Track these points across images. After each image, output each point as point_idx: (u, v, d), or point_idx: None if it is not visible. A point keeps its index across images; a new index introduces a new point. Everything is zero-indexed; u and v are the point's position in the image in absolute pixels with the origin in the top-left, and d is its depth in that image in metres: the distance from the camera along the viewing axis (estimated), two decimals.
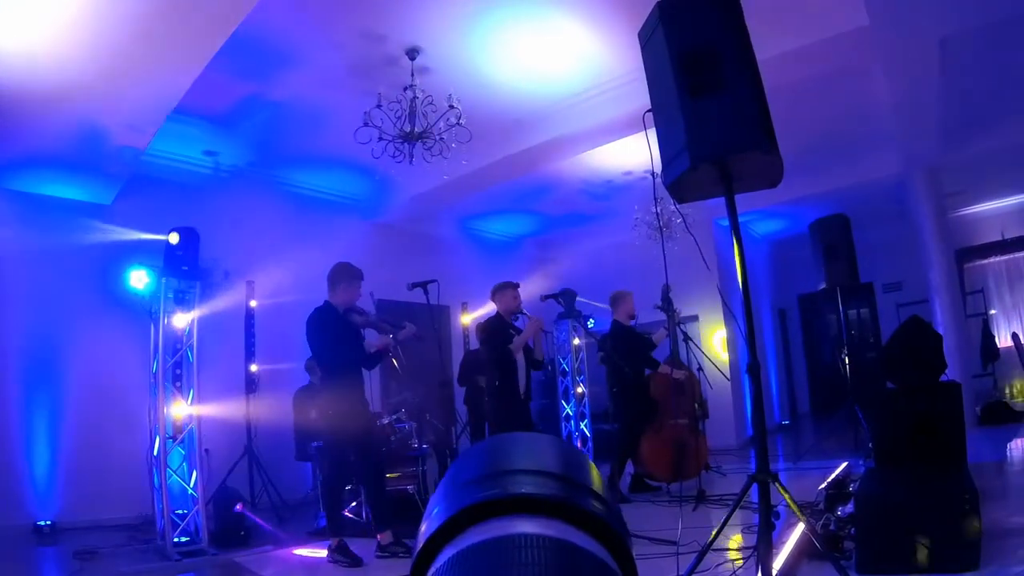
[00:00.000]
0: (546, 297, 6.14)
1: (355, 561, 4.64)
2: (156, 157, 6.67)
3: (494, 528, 0.39)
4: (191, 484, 5.17)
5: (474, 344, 8.47)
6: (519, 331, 5.85)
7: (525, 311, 5.91)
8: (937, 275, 8.55)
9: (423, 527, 0.43)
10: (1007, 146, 8.11)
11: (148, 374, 5.38)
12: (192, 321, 5.35)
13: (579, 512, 0.41)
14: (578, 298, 7.39)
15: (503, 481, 0.42)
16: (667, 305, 5.99)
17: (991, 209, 11.42)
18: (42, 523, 5.96)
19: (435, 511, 0.43)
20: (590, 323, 8.21)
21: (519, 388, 5.73)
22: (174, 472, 5.11)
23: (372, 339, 5.17)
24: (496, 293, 5.88)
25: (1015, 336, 10.19)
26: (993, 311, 11.82)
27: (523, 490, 0.41)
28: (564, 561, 0.36)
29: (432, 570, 0.39)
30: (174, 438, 5.17)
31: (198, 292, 5.41)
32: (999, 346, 10.75)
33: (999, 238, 11.53)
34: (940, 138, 7.57)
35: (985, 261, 12.02)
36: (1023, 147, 8.10)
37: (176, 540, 4.97)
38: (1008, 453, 6.82)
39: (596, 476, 0.47)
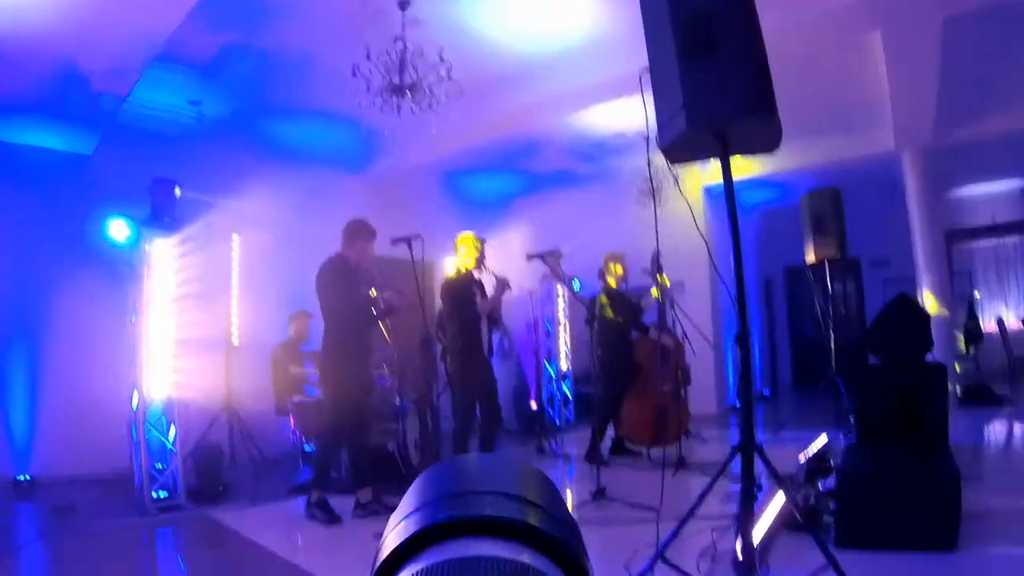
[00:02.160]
0: (531, 256, 6.05)
1: (333, 518, 4.65)
2: (139, 106, 6.48)
3: (454, 549, 0.40)
4: (170, 439, 5.13)
5: None
6: (481, 287, 5.76)
7: (489, 268, 5.76)
8: (925, 255, 8.55)
9: (383, 542, 0.44)
10: (1003, 131, 8.08)
11: (127, 327, 5.29)
12: (172, 273, 5.26)
13: (535, 534, 0.41)
14: (563, 257, 7.30)
15: (464, 502, 0.43)
16: (656, 270, 5.95)
17: (983, 193, 11.43)
18: (21, 478, 5.92)
19: (396, 528, 0.44)
20: (575, 285, 8.15)
21: (483, 347, 5.69)
22: (153, 427, 5.07)
23: None
24: (462, 245, 5.73)
25: (1000, 321, 10.29)
26: (978, 294, 11.89)
27: (482, 512, 0.42)
28: None
29: None
30: (153, 393, 5.11)
31: (179, 244, 5.31)
32: (983, 330, 10.87)
33: (990, 222, 11.55)
34: (936, 118, 7.52)
35: (974, 244, 12.07)
36: (1018, 133, 8.07)
37: (154, 495, 4.95)
38: (986, 435, 6.89)
39: (556, 497, 0.48)
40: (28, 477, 5.93)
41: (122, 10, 4.61)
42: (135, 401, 5.06)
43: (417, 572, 0.38)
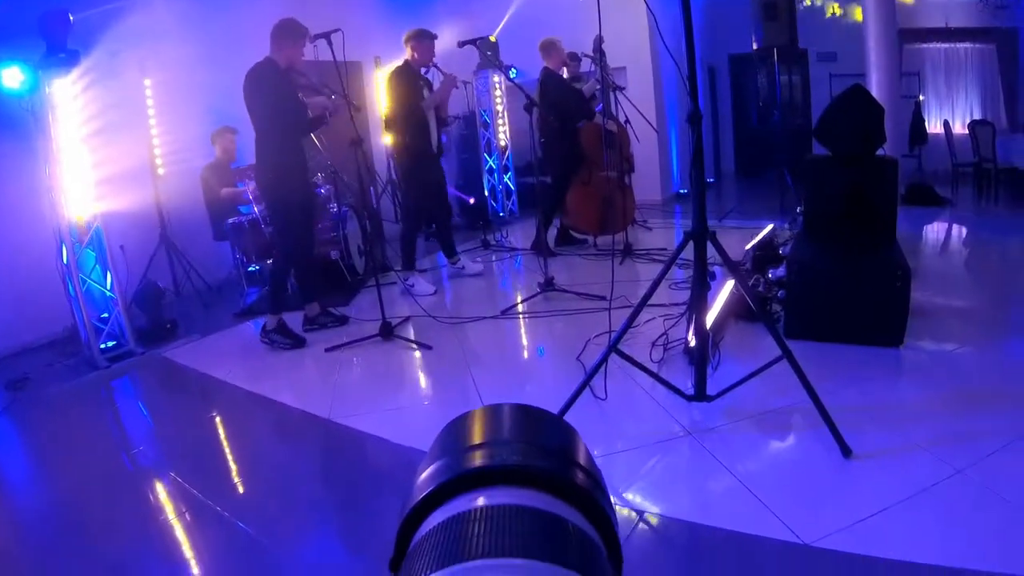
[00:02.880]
0: (464, 43, 5.68)
1: (298, 341, 4.64)
2: None
3: (481, 498, 0.41)
4: (108, 286, 4.92)
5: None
6: (429, 83, 5.55)
7: (439, 65, 5.56)
8: (876, 51, 8.35)
9: (411, 492, 0.44)
10: None
11: (42, 179, 4.90)
12: (80, 111, 4.81)
13: (565, 485, 0.43)
14: (489, 45, 6.88)
15: (492, 451, 0.45)
16: (599, 56, 5.70)
17: None
18: None
19: (424, 477, 0.45)
20: (512, 72, 7.82)
21: (432, 144, 5.56)
22: (88, 278, 4.83)
23: None
24: (411, 40, 5.50)
25: (946, 124, 10.36)
26: (921, 97, 11.89)
27: (511, 461, 0.43)
28: (547, 532, 0.37)
29: (418, 535, 0.41)
30: (81, 242, 4.83)
31: (81, 77, 4.81)
32: (928, 131, 10.94)
33: (942, 25, 11.31)
34: None
35: (924, 45, 11.90)
36: None
37: (102, 346, 4.80)
38: (927, 234, 7.07)
39: (583, 450, 0.49)
40: None
41: None
42: (65, 255, 4.79)
43: (442, 521, 0.39)
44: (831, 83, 10.97)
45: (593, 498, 0.43)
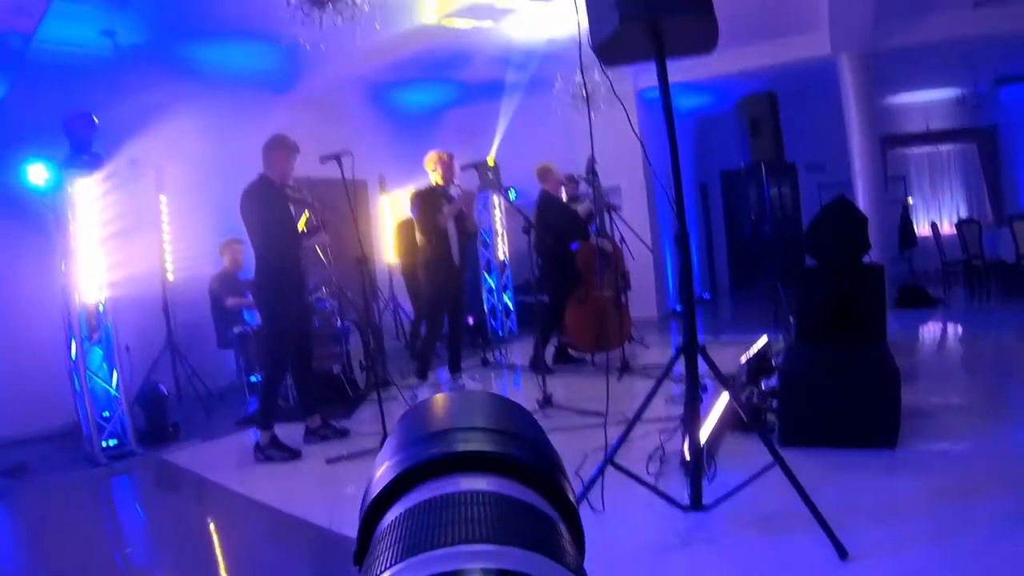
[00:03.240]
0: (465, 167, 6.02)
1: (293, 454, 4.59)
2: (49, 43, 6.01)
3: (439, 486, 0.41)
4: (113, 385, 5.00)
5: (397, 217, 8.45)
6: (451, 199, 5.83)
7: (458, 184, 5.90)
8: (861, 159, 8.68)
9: (371, 484, 0.45)
10: (939, 39, 8.12)
11: (57, 275, 5.06)
12: (98, 213, 5.02)
13: (516, 465, 0.43)
14: (488, 168, 7.21)
15: (447, 439, 0.45)
16: (592, 177, 5.95)
17: (918, 100, 11.64)
18: None
19: (382, 469, 0.45)
20: (511, 194, 8.10)
21: (453, 258, 5.78)
22: (94, 374, 4.92)
23: None
24: (432, 163, 5.84)
25: (934, 226, 10.63)
26: (911, 200, 12.23)
27: (465, 447, 0.43)
28: (503, 513, 0.38)
29: (381, 526, 0.41)
30: (91, 338, 4.94)
31: (102, 182, 5.06)
32: (917, 234, 11.21)
33: (924, 129, 11.78)
34: (874, 23, 7.51)
35: (908, 150, 12.35)
36: (954, 41, 8.14)
37: (104, 444, 4.85)
38: (921, 335, 7.17)
39: (534, 427, 0.50)
40: None
41: None
42: (74, 350, 4.89)
43: (406, 510, 0.39)
44: (820, 193, 11.31)
45: (553, 480, 0.43)
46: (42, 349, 5.64)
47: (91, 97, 5.73)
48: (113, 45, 6.66)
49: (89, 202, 5.01)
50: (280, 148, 4.65)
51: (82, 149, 4.92)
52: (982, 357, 6.13)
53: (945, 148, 12.19)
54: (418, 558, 0.33)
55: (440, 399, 0.54)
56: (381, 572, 0.34)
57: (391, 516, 0.40)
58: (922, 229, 11.65)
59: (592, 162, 5.77)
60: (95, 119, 5.01)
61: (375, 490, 0.43)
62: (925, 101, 11.63)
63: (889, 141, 11.69)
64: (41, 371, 5.62)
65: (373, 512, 0.42)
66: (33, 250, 5.62)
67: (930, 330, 7.54)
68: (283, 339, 4.64)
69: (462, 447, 0.43)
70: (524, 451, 0.44)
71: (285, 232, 4.59)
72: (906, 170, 12.38)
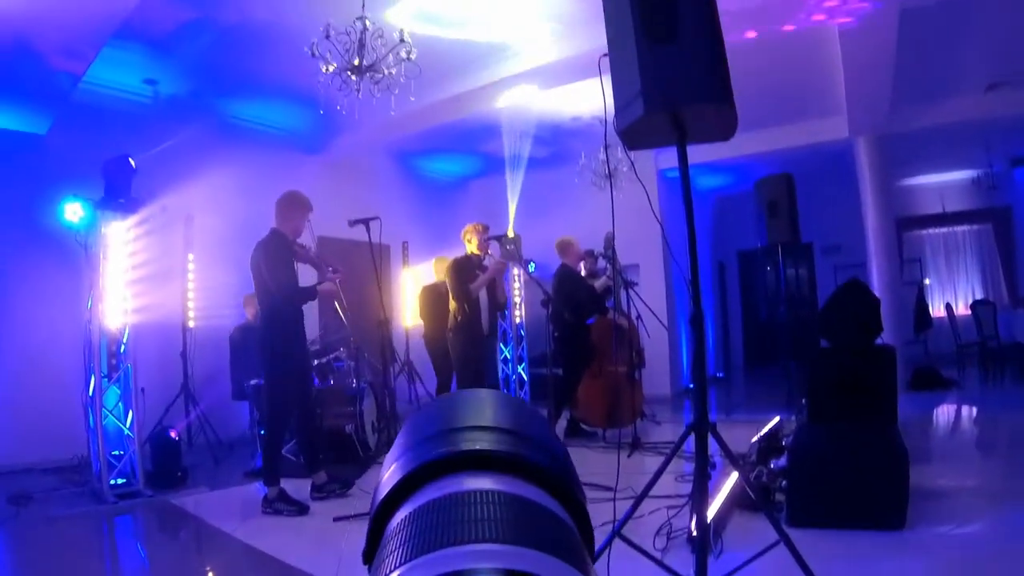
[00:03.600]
0: (488, 239, 6.19)
1: (302, 508, 4.55)
2: (94, 85, 6.33)
3: (449, 485, 0.40)
4: (127, 424, 5.05)
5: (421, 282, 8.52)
6: (485, 269, 6.01)
7: (491, 253, 6.08)
8: (876, 241, 8.75)
9: (380, 484, 0.44)
10: (954, 122, 8.30)
11: (82, 311, 5.18)
12: (128, 256, 5.16)
13: (528, 465, 0.42)
14: (510, 240, 7.36)
15: (457, 438, 0.44)
16: (610, 253, 6.05)
17: (934, 182, 11.76)
18: None
19: (391, 468, 0.44)
20: (531, 267, 8.23)
21: (482, 325, 5.93)
22: (110, 412, 4.99)
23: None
24: (469, 234, 6.08)
25: (949, 307, 10.60)
26: (927, 281, 12.23)
27: (476, 446, 0.43)
28: (514, 513, 0.37)
29: (391, 526, 0.40)
30: (109, 377, 5.02)
31: (134, 226, 5.21)
32: (932, 315, 11.17)
33: (939, 210, 11.87)
34: (890, 108, 7.68)
35: (924, 231, 12.41)
36: (970, 124, 8.31)
37: (112, 482, 4.88)
38: (935, 418, 7.12)
39: (546, 429, 0.49)
40: None
41: None
42: (92, 387, 4.97)
43: (415, 509, 0.39)
44: (836, 274, 11.37)
45: (563, 481, 0.43)
46: (60, 381, 5.78)
47: (129, 141, 5.99)
48: (154, 93, 6.96)
49: (120, 244, 5.15)
50: (294, 205, 4.78)
51: (118, 192, 5.09)
52: (995, 439, 6.07)
53: (960, 229, 12.26)
54: (427, 557, 0.33)
55: (448, 398, 0.53)
56: (390, 572, 0.34)
57: (400, 515, 0.40)
58: (937, 310, 11.62)
59: (610, 238, 5.89)
60: (132, 162, 5.19)
61: (384, 490, 0.42)
62: (940, 182, 11.75)
63: (905, 223, 11.77)
64: (56, 403, 5.76)
65: (382, 512, 0.42)
66: (62, 284, 5.82)
67: (943, 412, 7.47)
68: (284, 393, 4.67)
69: (470, 446, 0.43)
70: (533, 451, 0.43)
71: (291, 287, 4.66)
72: (922, 251, 12.42)
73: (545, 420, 0.51)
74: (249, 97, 7.48)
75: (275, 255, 4.60)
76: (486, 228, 6.11)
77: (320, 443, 5.09)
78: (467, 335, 5.86)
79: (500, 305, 6.33)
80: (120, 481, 4.94)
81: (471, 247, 6.06)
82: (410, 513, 0.39)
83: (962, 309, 11.03)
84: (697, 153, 2.88)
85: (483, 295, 5.97)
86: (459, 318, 5.88)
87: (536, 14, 6.12)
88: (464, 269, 5.94)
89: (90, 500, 4.81)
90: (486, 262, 6.08)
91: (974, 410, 7.48)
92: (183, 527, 4.53)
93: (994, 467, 5.06)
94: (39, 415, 5.82)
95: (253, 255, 4.65)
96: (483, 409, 0.50)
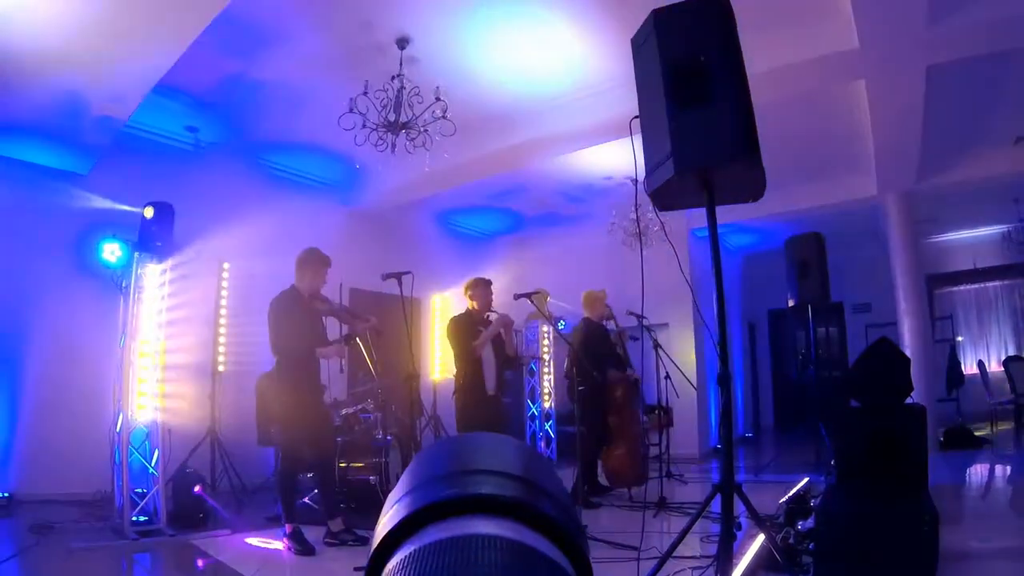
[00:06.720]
0: (518, 296, 6.13)
1: (307, 549, 4.63)
2: (136, 129, 6.59)
3: (453, 527, 0.40)
4: (152, 463, 5.10)
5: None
6: (487, 325, 5.86)
7: (494, 309, 5.92)
8: (906, 299, 8.67)
9: (382, 522, 0.44)
10: (983, 178, 8.26)
11: (115, 349, 5.28)
12: (162, 298, 5.27)
13: (536, 514, 0.42)
14: (549, 299, 7.38)
15: (464, 481, 0.43)
16: (640, 312, 6.04)
17: (964, 238, 11.65)
18: None
19: (395, 507, 0.44)
20: (560, 325, 8.24)
21: (485, 384, 5.74)
22: (136, 450, 5.04)
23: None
24: (469, 290, 5.89)
25: (981, 364, 10.41)
26: (960, 338, 12.04)
27: (483, 490, 0.42)
28: (518, 562, 0.37)
29: (390, 565, 0.39)
30: (138, 416, 5.09)
31: (170, 269, 5.33)
32: (964, 373, 10.97)
33: (971, 267, 11.75)
34: (918, 165, 7.68)
35: (955, 288, 12.26)
36: (999, 179, 8.26)
37: (134, 519, 4.90)
38: (967, 478, 6.95)
39: (555, 479, 0.48)
40: (7, 495, 5.82)
41: (128, 40, 4.71)
42: (120, 423, 5.04)
43: (415, 550, 0.38)
44: (867, 333, 11.24)
45: (563, 526, 0.42)
46: (88, 415, 5.88)
47: (169, 184, 6.18)
48: (195, 140, 7.19)
49: (155, 286, 5.26)
50: (312, 263, 4.97)
51: (157, 236, 5.23)
52: None
53: (992, 284, 12.08)
54: None
55: (457, 440, 0.53)
56: None
57: (401, 555, 0.39)
58: (969, 367, 11.41)
59: (641, 296, 5.86)
60: (173, 210, 5.35)
61: (386, 527, 0.42)
62: (971, 238, 11.63)
63: (935, 280, 11.65)
64: (84, 436, 5.86)
65: (382, 549, 0.41)
66: (99, 320, 5.97)
67: (976, 472, 7.29)
68: (296, 442, 4.86)
69: (477, 489, 0.42)
70: (540, 499, 0.43)
71: (304, 341, 4.82)
72: (952, 309, 12.25)
73: (553, 469, 0.50)
74: (286, 148, 7.70)
75: (279, 310, 4.80)
76: (488, 283, 5.91)
77: (339, 491, 5.12)
78: (471, 396, 5.64)
79: (510, 361, 6.07)
80: (142, 519, 4.96)
81: (471, 303, 5.84)
82: (412, 553, 0.38)
83: (995, 366, 10.84)
84: (727, 213, 2.92)
85: (489, 352, 5.74)
86: (461, 378, 5.69)
87: (570, 75, 6.27)
88: (465, 326, 5.73)
89: (111, 535, 4.83)
90: (490, 318, 5.91)
91: (1007, 469, 7.29)
92: (200, 568, 4.52)
93: None
94: (65, 446, 5.91)
95: (268, 309, 4.84)
96: (492, 453, 0.49)
